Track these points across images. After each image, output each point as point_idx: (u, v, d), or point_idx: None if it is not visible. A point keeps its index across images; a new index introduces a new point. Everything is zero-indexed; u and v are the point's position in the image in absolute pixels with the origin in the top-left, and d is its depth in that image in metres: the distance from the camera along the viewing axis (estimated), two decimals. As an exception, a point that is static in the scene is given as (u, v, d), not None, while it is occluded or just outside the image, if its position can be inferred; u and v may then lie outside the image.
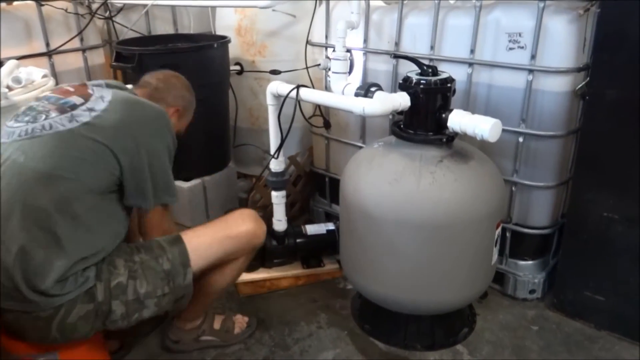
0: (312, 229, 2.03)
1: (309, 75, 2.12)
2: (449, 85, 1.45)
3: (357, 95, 1.59)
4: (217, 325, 1.68)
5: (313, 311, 1.84)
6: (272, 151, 1.80)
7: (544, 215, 1.78)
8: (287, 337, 1.71)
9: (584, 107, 1.62)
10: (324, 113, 2.06)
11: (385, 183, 1.46)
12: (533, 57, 1.57)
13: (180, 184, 2.02)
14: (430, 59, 1.77)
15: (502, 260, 1.87)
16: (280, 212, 1.92)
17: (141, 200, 1.30)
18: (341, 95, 1.56)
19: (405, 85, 1.48)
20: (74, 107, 1.25)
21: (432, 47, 1.77)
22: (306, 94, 1.62)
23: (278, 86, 1.69)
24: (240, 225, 1.44)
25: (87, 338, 1.27)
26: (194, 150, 2.01)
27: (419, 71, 1.50)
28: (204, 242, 1.37)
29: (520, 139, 1.68)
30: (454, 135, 1.48)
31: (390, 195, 1.44)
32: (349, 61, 1.76)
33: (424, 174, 1.43)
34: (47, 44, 1.99)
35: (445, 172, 1.43)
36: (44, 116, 1.23)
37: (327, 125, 1.90)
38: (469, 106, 1.74)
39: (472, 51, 1.69)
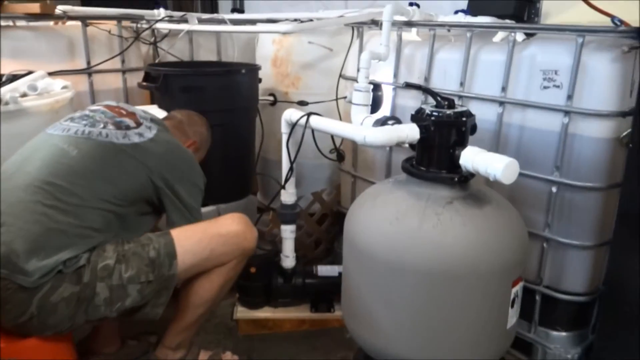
0: (323, 269, 1.91)
1: (338, 108, 2.05)
2: (464, 119, 1.31)
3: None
4: (202, 359, 1.57)
5: (311, 359, 1.69)
6: (285, 181, 1.72)
7: (580, 279, 1.54)
8: (276, 384, 1.57)
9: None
10: (338, 145, 1.97)
11: (385, 222, 1.32)
12: (570, 97, 1.40)
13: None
14: (460, 96, 1.64)
15: (529, 328, 1.63)
16: (289, 247, 1.81)
17: (170, 224, 1.43)
18: (345, 123, 1.45)
19: (417, 117, 1.36)
20: (128, 127, 1.40)
21: (461, 84, 1.64)
22: (315, 121, 1.54)
23: (292, 114, 1.63)
24: (231, 225, 1.43)
25: (60, 331, 1.24)
26: (211, 175, 1.97)
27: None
28: (192, 236, 1.37)
29: (554, 189, 1.49)
30: (469, 175, 1.32)
31: (389, 235, 1.30)
32: (370, 93, 1.67)
33: (428, 215, 1.28)
34: (88, 62, 2.07)
35: (453, 214, 1.27)
36: (102, 125, 1.38)
37: (340, 157, 1.81)
38: (499, 148, 1.58)
39: (504, 89, 1.54)
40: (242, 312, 1.86)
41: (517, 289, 1.36)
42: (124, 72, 2.18)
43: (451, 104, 1.35)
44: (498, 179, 1.20)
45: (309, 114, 1.55)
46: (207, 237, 1.37)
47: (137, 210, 1.37)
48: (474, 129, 1.38)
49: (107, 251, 1.26)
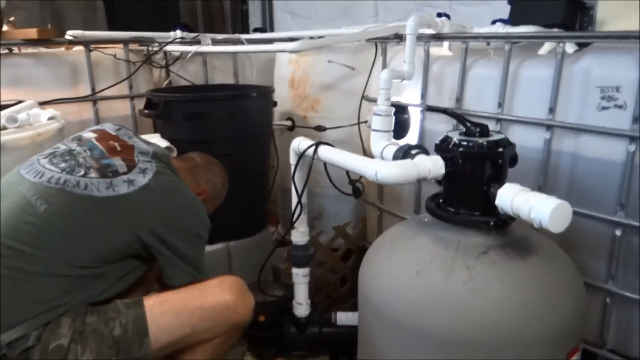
0: (343, 317, 1.67)
1: (359, 133, 1.83)
2: (500, 149, 1.06)
3: (394, 158, 1.28)
4: None
5: None
6: (294, 219, 1.51)
7: (654, 343, 1.24)
8: None
9: None
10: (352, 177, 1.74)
11: (404, 276, 1.08)
12: (635, 120, 1.13)
13: (201, 246, 1.79)
14: (498, 120, 1.40)
15: (591, 400, 1.34)
16: (302, 294, 1.59)
17: (167, 279, 1.21)
18: (356, 156, 1.23)
19: (442, 147, 1.12)
20: (115, 174, 1.17)
21: (499, 105, 1.39)
22: (324, 152, 1.33)
23: (300, 142, 1.43)
24: (217, 296, 1.19)
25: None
26: (219, 210, 1.79)
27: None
28: (168, 310, 1.14)
29: (618, 232, 1.21)
30: (508, 218, 1.07)
31: (408, 293, 1.06)
32: (392, 117, 1.44)
33: (456, 269, 1.03)
34: (93, 89, 1.94)
35: (488, 268, 1.02)
36: (83, 171, 1.16)
37: (356, 192, 1.58)
38: (547, 183, 1.32)
39: (552, 110, 1.28)
40: (251, 365, 1.65)
41: (575, 359, 1.08)
42: (132, 98, 2.05)
43: (484, 131, 1.11)
44: (545, 227, 0.95)
45: (317, 144, 1.34)
46: (187, 311, 1.15)
47: (118, 267, 1.16)
48: (513, 160, 1.13)
49: (62, 327, 1.05)
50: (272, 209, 2.32)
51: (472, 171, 1.08)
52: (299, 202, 1.46)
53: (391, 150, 1.35)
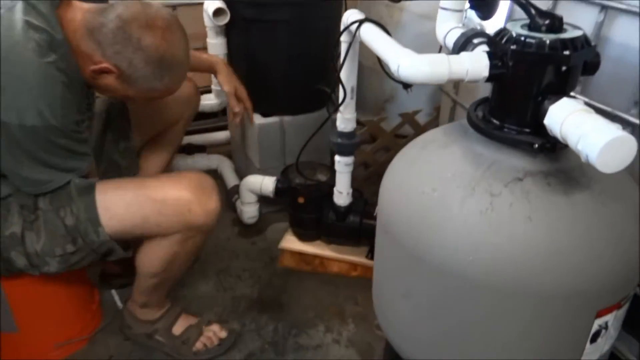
0: (386, 212, 1.57)
1: (441, 10, 1.55)
2: (566, 52, 0.81)
3: (454, 46, 1.06)
4: (177, 329, 1.35)
5: (344, 317, 1.45)
6: (339, 102, 1.37)
7: None
8: (290, 338, 1.37)
9: None
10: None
11: (417, 191, 0.94)
12: None
13: (256, 118, 1.73)
14: (603, 7, 1.07)
15: None
16: (344, 183, 1.50)
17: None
18: (389, 41, 1.02)
19: (494, 41, 0.89)
20: None
21: (609, -13, 1.06)
22: (365, 32, 1.13)
23: (350, 15, 1.23)
24: (171, 190, 1.10)
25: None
26: (276, 81, 1.68)
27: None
28: (121, 198, 1.09)
29: None
30: (558, 142, 0.84)
31: (417, 211, 0.92)
32: (466, -7, 1.17)
33: (478, 193, 0.86)
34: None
35: (517, 199, 0.84)
36: None
37: (404, 84, 1.35)
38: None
39: (676, 2, 0.95)
40: (288, 242, 1.65)
41: (609, 318, 0.91)
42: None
43: (554, 25, 0.85)
44: (591, 162, 0.73)
45: (362, 21, 1.14)
46: (139, 201, 1.08)
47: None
48: (593, 67, 0.87)
49: (12, 214, 1.04)
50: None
51: (524, 77, 0.85)
52: (339, 81, 1.29)
53: (455, 34, 1.11)
